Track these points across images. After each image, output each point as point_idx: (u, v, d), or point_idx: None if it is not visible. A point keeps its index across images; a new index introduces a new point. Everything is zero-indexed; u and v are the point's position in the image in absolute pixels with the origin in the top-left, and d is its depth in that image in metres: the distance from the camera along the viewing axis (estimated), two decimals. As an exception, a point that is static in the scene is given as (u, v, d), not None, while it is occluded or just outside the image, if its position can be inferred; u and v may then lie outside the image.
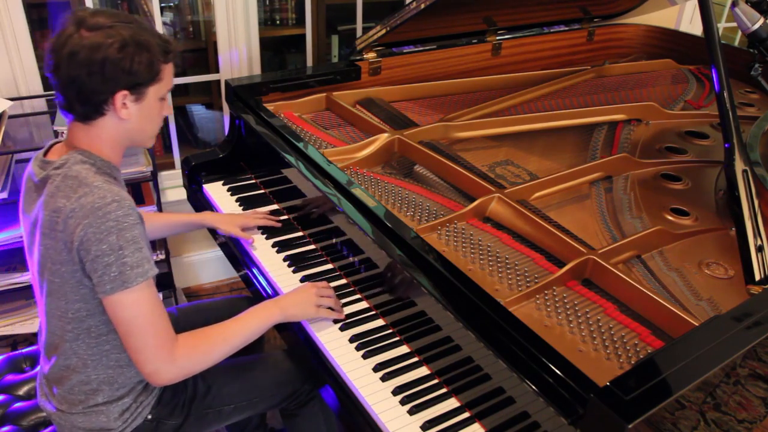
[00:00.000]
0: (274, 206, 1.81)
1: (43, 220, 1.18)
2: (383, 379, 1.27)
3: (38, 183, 1.22)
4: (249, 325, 1.33)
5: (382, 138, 1.79)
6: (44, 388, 1.36)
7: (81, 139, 1.22)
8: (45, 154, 1.26)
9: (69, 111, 1.20)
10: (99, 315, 1.22)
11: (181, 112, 3.31)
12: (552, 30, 2.56)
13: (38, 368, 1.62)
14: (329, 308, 1.40)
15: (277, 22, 2.83)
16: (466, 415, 1.20)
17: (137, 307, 1.16)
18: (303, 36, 2.71)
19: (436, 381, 1.27)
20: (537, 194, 1.62)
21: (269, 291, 1.54)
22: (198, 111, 3.38)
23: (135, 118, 1.21)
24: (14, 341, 2.34)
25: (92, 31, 1.13)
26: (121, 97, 1.17)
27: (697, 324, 1.15)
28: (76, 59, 1.12)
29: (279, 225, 1.70)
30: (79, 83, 1.14)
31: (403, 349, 1.34)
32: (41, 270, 1.23)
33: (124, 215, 1.14)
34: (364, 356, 1.32)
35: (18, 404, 1.53)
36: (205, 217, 1.71)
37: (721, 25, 3.61)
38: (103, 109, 1.18)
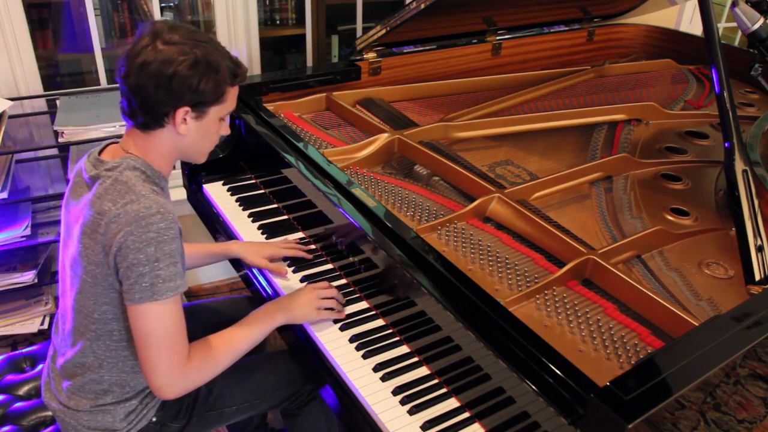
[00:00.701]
0: (274, 206, 1.81)
1: (87, 219, 1.19)
2: (383, 379, 1.27)
3: (89, 180, 1.23)
4: (252, 331, 1.34)
5: (382, 138, 1.79)
6: (52, 383, 1.37)
7: (137, 146, 1.24)
8: (100, 152, 1.27)
9: (130, 117, 1.22)
10: (124, 320, 1.23)
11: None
12: (552, 30, 2.56)
13: (39, 368, 1.63)
14: (330, 309, 1.40)
15: (277, 22, 2.83)
16: (466, 415, 1.20)
17: (161, 320, 1.17)
18: (303, 36, 2.71)
19: (436, 381, 1.27)
20: (537, 194, 1.63)
21: (269, 291, 1.54)
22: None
23: (192, 134, 1.23)
24: (14, 341, 2.34)
25: (167, 45, 1.15)
26: (183, 112, 1.19)
27: (697, 324, 1.15)
28: (146, 70, 1.14)
29: (309, 256, 1.59)
30: (145, 93, 1.16)
31: (403, 349, 1.34)
32: (74, 265, 1.24)
33: (166, 228, 1.15)
34: (364, 356, 1.32)
35: (18, 404, 1.53)
36: (231, 247, 1.62)
37: (721, 25, 3.61)
38: (164, 121, 1.20)
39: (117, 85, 1.29)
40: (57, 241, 1.92)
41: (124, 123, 2.09)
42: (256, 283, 1.59)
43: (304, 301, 1.39)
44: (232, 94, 1.25)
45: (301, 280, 1.53)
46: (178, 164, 2.63)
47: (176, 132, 1.21)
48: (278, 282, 1.54)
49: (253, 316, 1.36)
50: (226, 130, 1.31)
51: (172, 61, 1.14)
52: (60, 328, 1.35)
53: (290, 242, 1.63)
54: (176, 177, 2.58)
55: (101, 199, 1.17)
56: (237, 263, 1.71)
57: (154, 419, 1.35)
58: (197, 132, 1.24)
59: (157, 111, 1.18)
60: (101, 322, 1.23)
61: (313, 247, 1.65)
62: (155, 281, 1.14)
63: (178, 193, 2.54)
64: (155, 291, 1.14)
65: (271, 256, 1.58)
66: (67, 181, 1.32)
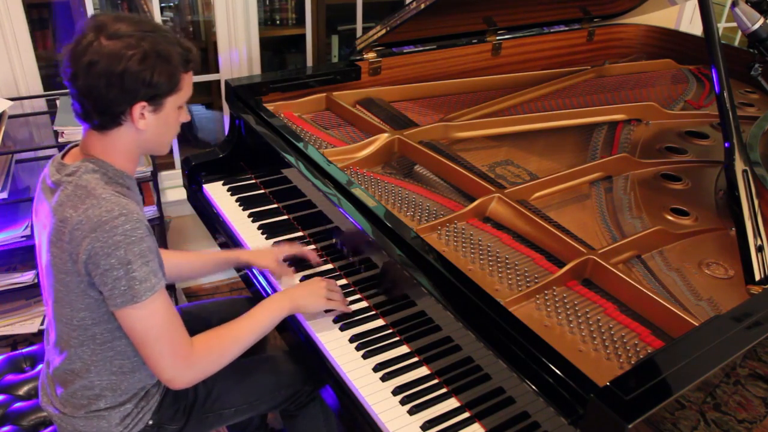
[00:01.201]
0: (274, 206, 1.81)
1: (52, 227, 1.17)
2: (383, 379, 1.27)
3: (52, 186, 1.21)
4: (260, 320, 1.34)
5: (382, 138, 1.79)
6: (47, 389, 1.36)
7: (95, 147, 1.20)
8: (63, 156, 1.25)
9: (85, 120, 1.18)
10: (104, 323, 1.22)
11: (180, 112, 3.31)
12: (552, 30, 2.56)
13: (39, 368, 1.63)
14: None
15: (277, 22, 2.83)
16: (466, 415, 1.20)
17: (149, 320, 1.16)
18: (303, 36, 2.71)
19: (436, 381, 1.27)
20: (537, 194, 1.62)
21: (269, 291, 1.54)
22: (198, 111, 3.38)
23: (152, 128, 1.19)
24: (14, 341, 2.34)
25: (112, 39, 1.10)
26: (139, 108, 1.15)
27: (697, 324, 1.15)
28: (94, 69, 1.09)
29: (319, 261, 1.58)
30: (97, 94, 1.11)
31: (403, 349, 1.34)
32: (48, 275, 1.23)
33: (132, 229, 1.12)
34: (364, 356, 1.32)
35: (18, 404, 1.53)
36: (239, 254, 1.60)
37: (721, 25, 3.61)
38: (121, 119, 1.16)
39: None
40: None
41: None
42: (256, 283, 1.59)
43: (311, 290, 1.39)
44: (188, 80, 1.21)
45: (301, 280, 1.53)
46: (178, 164, 2.64)
47: (135, 128, 1.17)
48: (279, 282, 1.53)
49: (259, 306, 1.36)
50: (185, 117, 1.26)
51: (121, 57, 1.09)
52: (48, 336, 1.35)
53: (296, 248, 1.59)
54: (176, 177, 2.58)
55: (63, 207, 1.15)
56: (237, 263, 1.71)
57: (150, 422, 1.35)
58: (157, 125, 1.19)
59: (112, 110, 1.14)
60: (81, 328, 1.22)
61: (313, 247, 1.65)
62: (132, 284, 1.12)
63: (178, 193, 2.55)
64: (134, 294, 1.13)
65: (279, 258, 1.56)
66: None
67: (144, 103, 1.15)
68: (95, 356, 1.25)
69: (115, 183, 1.20)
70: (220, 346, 1.27)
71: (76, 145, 1.26)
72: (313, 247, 1.64)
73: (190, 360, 1.22)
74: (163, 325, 1.18)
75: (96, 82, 1.10)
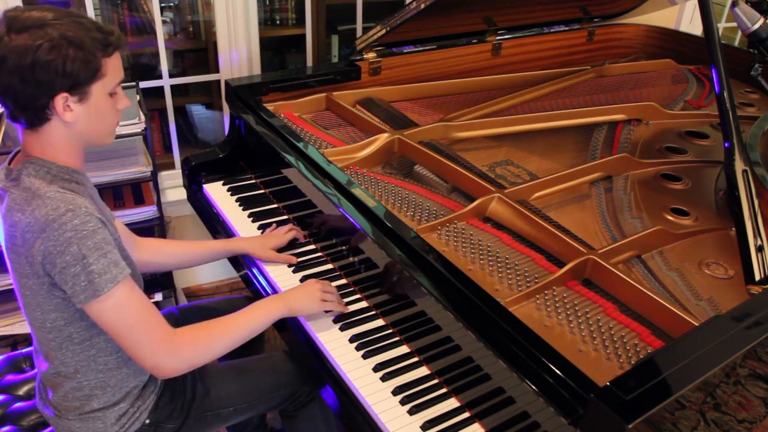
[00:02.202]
0: (274, 206, 1.81)
1: (5, 233, 1.15)
2: (383, 379, 1.27)
3: (1, 193, 1.19)
4: (252, 318, 1.33)
5: (382, 138, 1.79)
6: (42, 393, 1.37)
7: (33, 147, 1.17)
8: (10, 162, 1.22)
9: (14, 120, 1.14)
10: (77, 321, 1.20)
11: (181, 112, 3.31)
12: (552, 30, 2.56)
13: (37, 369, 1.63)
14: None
15: (277, 22, 2.83)
16: (466, 415, 1.20)
17: (118, 311, 1.14)
18: (303, 36, 2.71)
19: (436, 381, 1.27)
20: (537, 194, 1.62)
21: (269, 291, 1.54)
22: (198, 111, 3.38)
23: (83, 119, 1.15)
24: (14, 341, 2.34)
25: (21, 33, 1.06)
26: (62, 100, 1.10)
27: (697, 324, 1.15)
28: (5, 66, 1.06)
29: (303, 235, 1.66)
30: (14, 91, 1.08)
31: (403, 349, 1.34)
32: (14, 282, 1.22)
33: (82, 223, 1.10)
34: (364, 356, 1.32)
35: (18, 404, 1.53)
36: (237, 244, 1.64)
37: (721, 25, 3.61)
38: (46, 114, 1.12)
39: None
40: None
41: (127, 122, 2.09)
42: (256, 283, 1.59)
43: (306, 293, 1.39)
44: (113, 65, 1.15)
45: (301, 280, 1.53)
46: (178, 164, 2.64)
47: (64, 122, 1.13)
48: (279, 282, 1.54)
49: (254, 305, 1.36)
50: (124, 103, 1.21)
51: (28, 49, 1.05)
52: (33, 343, 1.35)
53: (285, 228, 1.66)
54: (176, 177, 2.58)
55: (11, 211, 1.13)
56: (236, 263, 1.71)
57: (147, 421, 1.35)
58: (87, 115, 1.15)
59: (33, 106, 1.10)
60: (56, 330, 1.21)
61: (313, 247, 1.65)
62: (91, 278, 1.10)
63: (178, 193, 2.55)
64: (96, 288, 1.11)
65: (276, 246, 1.60)
66: None
67: (65, 94, 1.10)
68: (77, 357, 1.24)
69: (61, 180, 1.17)
70: (209, 336, 1.26)
71: (20, 150, 1.23)
72: (313, 246, 1.65)
73: (173, 346, 1.20)
74: (134, 313, 1.16)
75: (10, 79, 1.07)
